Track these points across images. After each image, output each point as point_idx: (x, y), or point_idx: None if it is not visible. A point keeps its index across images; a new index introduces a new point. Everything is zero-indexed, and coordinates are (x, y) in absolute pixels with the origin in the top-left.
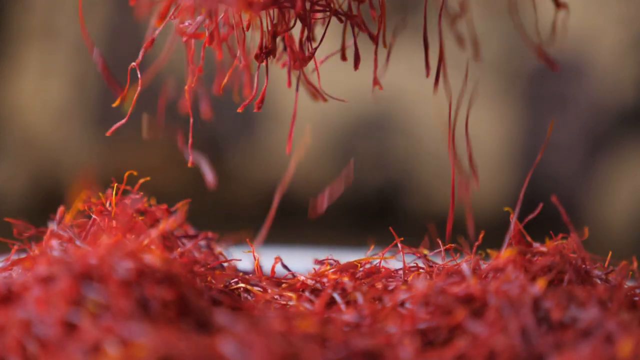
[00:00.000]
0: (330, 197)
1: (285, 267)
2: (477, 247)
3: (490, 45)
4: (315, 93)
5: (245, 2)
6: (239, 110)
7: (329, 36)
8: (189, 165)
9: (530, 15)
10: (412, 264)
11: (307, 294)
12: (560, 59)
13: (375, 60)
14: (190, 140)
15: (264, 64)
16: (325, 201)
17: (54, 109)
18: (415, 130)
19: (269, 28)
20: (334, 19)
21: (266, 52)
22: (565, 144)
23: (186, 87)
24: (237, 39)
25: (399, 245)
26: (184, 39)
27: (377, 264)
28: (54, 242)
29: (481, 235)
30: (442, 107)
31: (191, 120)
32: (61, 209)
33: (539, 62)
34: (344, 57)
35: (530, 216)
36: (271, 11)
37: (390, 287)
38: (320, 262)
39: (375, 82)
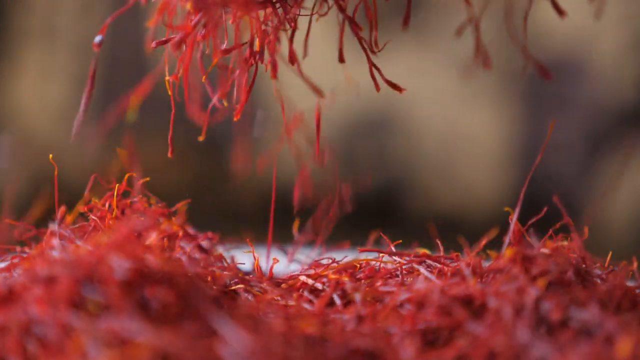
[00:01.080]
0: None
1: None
2: (474, 247)
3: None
4: (314, 88)
5: (244, 2)
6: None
7: (328, 37)
8: (169, 155)
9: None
10: (411, 265)
11: (307, 294)
12: (560, 59)
13: (369, 61)
14: (170, 132)
15: (258, 67)
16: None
17: (54, 109)
18: (415, 131)
19: (256, 32)
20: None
21: (252, 57)
22: (565, 144)
23: (169, 77)
24: (236, 40)
25: (393, 249)
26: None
27: (377, 265)
28: (55, 243)
29: (485, 241)
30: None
31: (173, 111)
32: (61, 209)
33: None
34: (341, 59)
35: (534, 219)
36: (258, 15)
37: (390, 288)
38: (320, 262)
39: (377, 85)
